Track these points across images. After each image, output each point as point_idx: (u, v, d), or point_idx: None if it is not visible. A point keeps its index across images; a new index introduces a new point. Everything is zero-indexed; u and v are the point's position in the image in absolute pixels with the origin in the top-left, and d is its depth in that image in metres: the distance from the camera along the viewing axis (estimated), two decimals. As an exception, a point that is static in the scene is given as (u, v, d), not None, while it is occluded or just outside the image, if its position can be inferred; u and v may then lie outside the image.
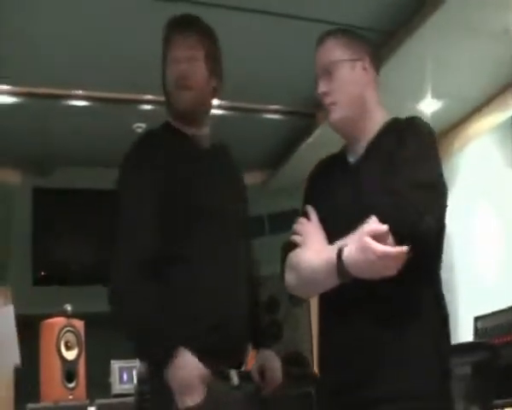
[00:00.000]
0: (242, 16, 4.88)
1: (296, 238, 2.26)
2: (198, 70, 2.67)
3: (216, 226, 2.56)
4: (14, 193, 7.45)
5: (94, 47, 5.24)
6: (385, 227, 2.00)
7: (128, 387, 5.48)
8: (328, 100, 2.49)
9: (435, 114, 6.28)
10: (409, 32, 5.11)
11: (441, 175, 2.31)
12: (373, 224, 2.02)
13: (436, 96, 5.99)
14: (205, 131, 2.78)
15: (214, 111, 6.14)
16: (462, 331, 6.14)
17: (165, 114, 2.85)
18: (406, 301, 2.20)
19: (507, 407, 4.33)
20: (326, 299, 2.25)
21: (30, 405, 4.41)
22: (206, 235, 2.54)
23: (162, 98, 6.05)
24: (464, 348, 4.09)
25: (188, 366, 2.33)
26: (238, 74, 5.51)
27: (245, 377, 2.56)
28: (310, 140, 6.63)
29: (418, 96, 5.99)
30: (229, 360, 2.50)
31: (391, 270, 2.00)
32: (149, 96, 6.12)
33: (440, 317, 2.39)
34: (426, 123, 2.58)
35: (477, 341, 5.35)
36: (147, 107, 6.28)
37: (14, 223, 7.37)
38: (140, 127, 6.69)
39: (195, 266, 2.50)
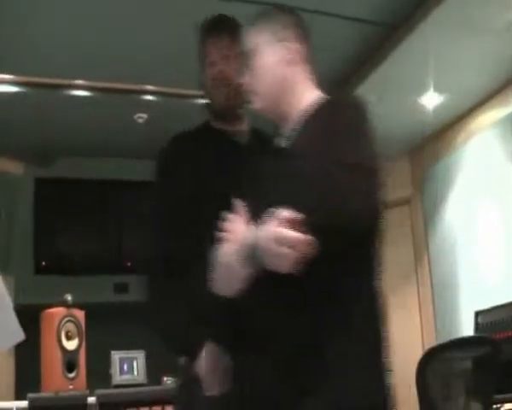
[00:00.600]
0: (247, 7, 4.88)
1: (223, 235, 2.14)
2: (233, 68, 2.70)
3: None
4: (17, 183, 7.45)
5: (95, 37, 5.23)
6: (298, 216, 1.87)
7: (128, 377, 5.49)
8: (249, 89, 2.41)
9: (437, 109, 6.28)
10: (411, 26, 5.11)
11: (369, 154, 2.19)
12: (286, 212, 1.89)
13: (438, 90, 5.98)
14: (243, 126, 2.81)
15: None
16: (463, 326, 6.16)
17: (204, 113, 2.88)
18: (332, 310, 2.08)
19: (507, 401, 4.34)
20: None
21: (30, 395, 4.41)
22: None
23: (163, 89, 6.08)
24: (465, 342, 4.10)
25: (212, 356, 2.39)
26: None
27: None
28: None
29: (420, 90, 5.98)
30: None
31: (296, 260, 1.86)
32: (151, 87, 6.11)
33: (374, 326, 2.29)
34: (352, 100, 2.56)
35: (478, 335, 5.36)
36: (148, 97, 6.27)
37: (16, 213, 7.38)
38: (141, 117, 6.69)
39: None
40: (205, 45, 2.80)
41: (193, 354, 2.44)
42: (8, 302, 2.66)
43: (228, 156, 2.71)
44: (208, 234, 2.37)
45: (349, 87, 6.06)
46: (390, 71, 5.61)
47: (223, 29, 2.79)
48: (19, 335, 2.68)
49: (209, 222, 2.33)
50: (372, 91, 5.91)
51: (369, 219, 2.11)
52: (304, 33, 2.43)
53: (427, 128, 6.75)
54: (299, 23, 2.44)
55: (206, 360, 2.40)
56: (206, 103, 2.82)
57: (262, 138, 2.80)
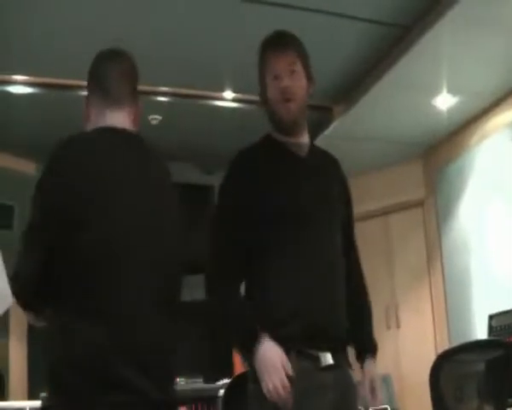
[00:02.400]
0: (260, 8, 4.89)
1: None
2: (299, 82, 2.80)
3: (300, 226, 2.71)
4: (30, 182, 7.45)
5: (108, 39, 5.24)
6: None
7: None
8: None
9: (451, 110, 6.27)
10: (424, 27, 5.10)
11: None
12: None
13: (451, 91, 5.96)
14: (304, 139, 2.90)
15: (230, 104, 6.24)
16: (477, 329, 6.14)
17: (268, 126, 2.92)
18: None
19: (521, 405, 4.31)
20: None
21: (43, 394, 4.41)
22: (289, 234, 2.69)
23: (177, 90, 6.08)
24: (478, 345, 4.09)
25: (269, 350, 2.53)
26: (255, 67, 5.53)
27: (340, 363, 2.69)
28: (326, 133, 6.61)
29: (434, 92, 5.97)
30: (318, 344, 2.62)
31: None
32: (164, 88, 6.12)
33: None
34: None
35: (491, 338, 5.34)
36: (162, 98, 6.28)
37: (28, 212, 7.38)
38: (155, 119, 6.70)
39: (277, 263, 2.68)
40: (269, 59, 2.84)
41: (250, 349, 2.57)
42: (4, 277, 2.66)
43: (288, 170, 2.81)
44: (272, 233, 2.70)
45: (362, 89, 6.05)
46: (403, 72, 5.59)
47: (288, 44, 2.86)
48: (8, 300, 2.69)
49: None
50: (385, 93, 5.91)
51: None
52: None
53: (441, 130, 6.74)
54: None
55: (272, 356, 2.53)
56: (270, 116, 2.86)
57: (317, 151, 2.97)
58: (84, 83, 5.47)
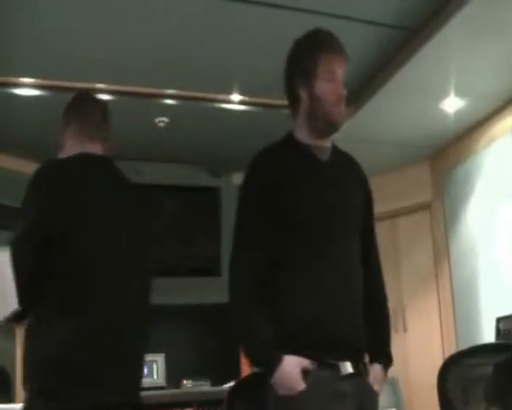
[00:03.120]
0: (268, 11, 4.89)
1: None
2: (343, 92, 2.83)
3: (322, 234, 2.71)
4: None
5: (113, 43, 5.25)
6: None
7: (148, 381, 5.50)
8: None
9: (458, 113, 6.26)
10: (432, 30, 5.08)
11: None
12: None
13: (459, 94, 5.95)
14: (327, 143, 2.90)
15: (238, 106, 6.24)
16: (485, 332, 6.12)
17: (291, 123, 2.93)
18: None
19: (528, 409, 4.30)
20: None
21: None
22: (310, 241, 2.70)
23: (184, 93, 6.08)
24: (486, 348, 4.07)
25: (287, 367, 2.56)
26: (264, 71, 5.53)
27: (359, 372, 2.72)
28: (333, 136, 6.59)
29: (441, 95, 5.96)
30: (337, 353, 2.64)
31: None
32: (172, 91, 6.12)
33: None
34: None
35: (499, 342, 5.33)
36: (169, 101, 6.28)
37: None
38: (163, 121, 6.69)
39: (297, 271, 2.68)
40: (327, 58, 2.80)
41: (272, 368, 2.58)
42: (9, 275, 2.71)
43: (310, 175, 2.79)
44: (288, 239, 2.72)
45: (369, 91, 6.05)
46: (410, 75, 5.59)
47: (343, 48, 2.86)
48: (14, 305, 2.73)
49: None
50: (392, 96, 5.90)
51: None
52: None
53: (448, 133, 6.73)
54: None
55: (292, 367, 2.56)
56: (314, 114, 2.82)
57: (338, 154, 2.97)
58: (88, 85, 5.48)
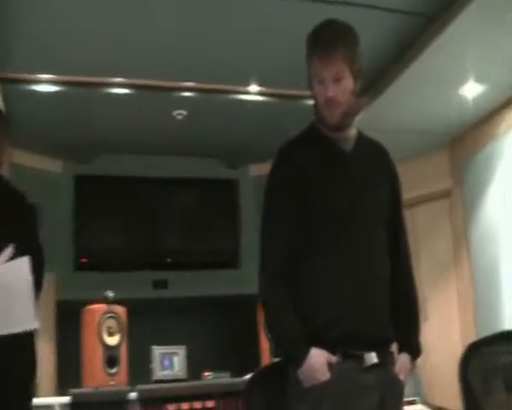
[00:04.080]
0: (284, 1, 4.87)
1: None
2: (344, 87, 2.73)
3: (344, 226, 2.71)
4: (56, 181, 7.51)
5: (131, 37, 5.25)
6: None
7: (168, 373, 5.51)
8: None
9: (477, 99, 6.21)
10: (450, 16, 5.05)
11: None
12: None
13: (478, 80, 5.90)
14: (350, 133, 2.86)
15: (256, 97, 6.22)
16: (505, 320, 6.10)
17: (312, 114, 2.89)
18: None
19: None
20: None
21: (72, 390, 4.44)
22: (333, 233, 2.70)
23: (202, 85, 6.08)
24: (507, 336, 4.05)
25: (314, 359, 2.59)
26: (282, 61, 5.52)
27: (384, 362, 2.72)
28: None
29: (460, 81, 5.91)
30: (361, 344, 2.64)
31: None
32: (190, 83, 6.12)
33: None
34: None
35: (519, 329, 5.30)
36: (187, 94, 6.28)
37: (56, 211, 7.43)
38: (180, 114, 6.70)
39: (319, 264, 2.70)
40: (315, 64, 2.74)
41: (299, 361, 2.61)
42: (29, 290, 2.68)
43: (332, 167, 2.78)
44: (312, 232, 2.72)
45: (387, 80, 6.02)
46: (429, 62, 5.55)
47: (336, 51, 2.70)
48: (30, 323, 2.70)
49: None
50: (410, 84, 5.87)
51: None
52: None
53: (467, 119, 6.68)
54: None
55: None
56: (315, 111, 2.83)
57: (364, 143, 2.93)
58: (106, 79, 5.47)
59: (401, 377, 2.79)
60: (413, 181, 7.11)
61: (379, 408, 2.63)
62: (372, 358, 2.65)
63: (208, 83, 6.07)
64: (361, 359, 2.62)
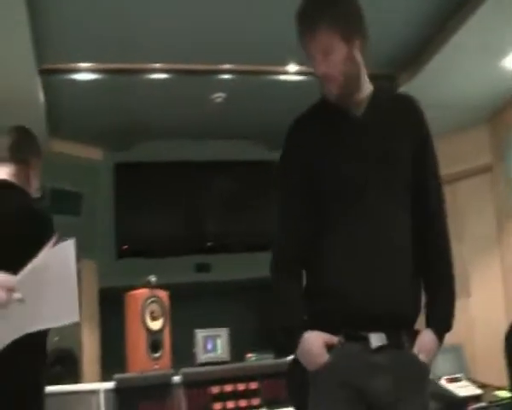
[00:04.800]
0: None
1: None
2: (335, 61, 2.59)
3: (353, 203, 2.60)
4: (97, 169, 7.57)
5: (170, 21, 5.25)
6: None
7: (212, 356, 5.52)
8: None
9: (519, 70, 6.13)
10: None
11: None
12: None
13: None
14: (361, 96, 2.69)
15: (294, 77, 6.19)
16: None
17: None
18: None
19: None
20: None
21: (116, 375, 4.47)
22: (341, 210, 2.61)
23: (240, 67, 6.08)
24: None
25: (310, 341, 2.54)
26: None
27: (397, 343, 2.55)
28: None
29: (501, 53, 5.82)
30: (367, 325, 2.51)
31: None
32: (228, 66, 6.11)
33: None
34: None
35: None
36: (226, 76, 6.27)
37: (97, 198, 7.49)
38: (219, 97, 6.70)
39: (325, 242, 2.62)
40: (301, 41, 2.66)
41: (294, 347, 2.59)
42: (73, 281, 2.62)
43: (339, 138, 2.66)
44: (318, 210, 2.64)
45: (427, 54, 5.95)
46: (469, 35, 5.47)
47: (318, 26, 2.58)
48: (72, 315, 2.62)
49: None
50: (451, 57, 5.80)
51: None
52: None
53: (509, 92, 6.59)
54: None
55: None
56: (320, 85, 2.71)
57: (381, 101, 2.73)
58: (144, 66, 5.48)
59: (422, 357, 2.56)
60: (454, 157, 7.04)
61: (394, 393, 2.47)
62: (380, 339, 2.50)
63: (246, 64, 6.06)
64: (366, 340, 2.50)
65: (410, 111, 2.79)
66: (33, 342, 2.86)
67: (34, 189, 3.63)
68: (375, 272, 2.52)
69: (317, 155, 2.64)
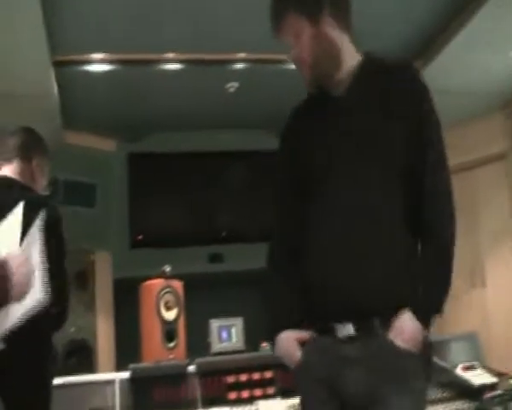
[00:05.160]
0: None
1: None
2: (304, 43, 2.51)
3: (326, 185, 2.47)
4: (110, 160, 7.58)
5: (185, 10, 5.24)
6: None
7: (227, 345, 5.54)
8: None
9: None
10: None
11: None
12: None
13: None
14: (340, 74, 2.52)
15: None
16: None
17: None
18: None
19: None
20: None
21: (132, 365, 4.48)
22: (314, 197, 2.51)
23: (254, 56, 6.06)
24: None
25: (282, 341, 2.51)
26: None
27: (368, 332, 2.34)
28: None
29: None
30: (334, 316, 2.39)
31: None
32: (242, 55, 6.10)
33: None
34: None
35: None
36: (239, 65, 6.26)
37: (110, 189, 7.51)
38: (233, 86, 6.69)
39: (308, 237, 2.52)
40: (272, 30, 2.60)
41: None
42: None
43: (320, 118, 2.55)
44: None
45: (441, 42, 5.92)
46: (483, 23, 5.45)
47: (279, 18, 2.56)
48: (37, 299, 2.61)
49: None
50: (465, 45, 5.78)
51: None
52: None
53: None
54: None
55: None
56: None
57: (365, 76, 2.52)
58: (157, 56, 5.45)
59: (399, 343, 2.30)
60: (468, 144, 7.03)
61: (369, 388, 2.32)
62: (346, 329, 2.35)
63: (260, 53, 6.04)
64: (334, 332, 2.37)
65: (406, 82, 2.51)
66: (35, 332, 2.89)
67: (41, 186, 3.73)
68: (344, 261, 2.37)
69: (298, 144, 2.58)
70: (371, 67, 2.54)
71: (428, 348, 2.38)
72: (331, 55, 2.50)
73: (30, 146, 3.68)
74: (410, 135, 2.41)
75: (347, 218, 2.39)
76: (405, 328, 2.30)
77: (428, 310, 2.36)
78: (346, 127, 2.45)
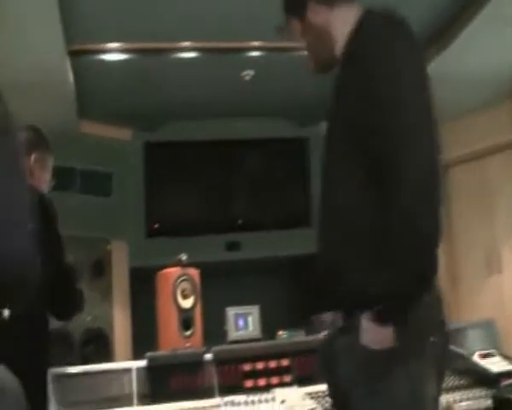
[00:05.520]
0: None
1: None
2: (301, 42, 2.65)
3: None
4: (126, 149, 7.59)
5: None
6: None
7: (243, 333, 5.55)
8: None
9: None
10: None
11: None
12: None
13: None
14: (338, 53, 2.50)
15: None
16: None
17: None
18: None
19: None
20: None
21: (148, 354, 4.50)
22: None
23: (270, 44, 6.06)
24: None
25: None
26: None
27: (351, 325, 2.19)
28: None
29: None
30: (328, 307, 2.43)
31: None
32: (257, 43, 6.09)
33: None
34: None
35: None
36: (255, 53, 6.25)
37: (127, 179, 7.52)
38: (248, 74, 6.69)
39: None
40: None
41: None
42: None
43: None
44: None
45: (456, 28, 5.89)
46: (499, 7, 5.41)
47: (288, 11, 2.66)
48: None
49: None
50: (481, 31, 5.74)
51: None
52: None
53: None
54: None
55: None
56: None
57: (350, 52, 2.39)
58: (172, 45, 5.46)
59: (362, 340, 2.11)
60: (482, 132, 6.98)
61: (344, 388, 2.25)
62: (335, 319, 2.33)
63: (276, 41, 6.03)
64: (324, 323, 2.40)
65: (363, 34, 2.34)
66: (31, 318, 2.90)
67: (43, 181, 3.78)
68: (322, 249, 2.43)
69: None
70: (358, 34, 2.37)
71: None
72: (324, 40, 2.54)
73: (29, 143, 3.72)
74: (361, 93, 2.23)
75: (326, 198, 2.47)
76: (365, 325, 2.12)
77: (377, 305, 2.08)
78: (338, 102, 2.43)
